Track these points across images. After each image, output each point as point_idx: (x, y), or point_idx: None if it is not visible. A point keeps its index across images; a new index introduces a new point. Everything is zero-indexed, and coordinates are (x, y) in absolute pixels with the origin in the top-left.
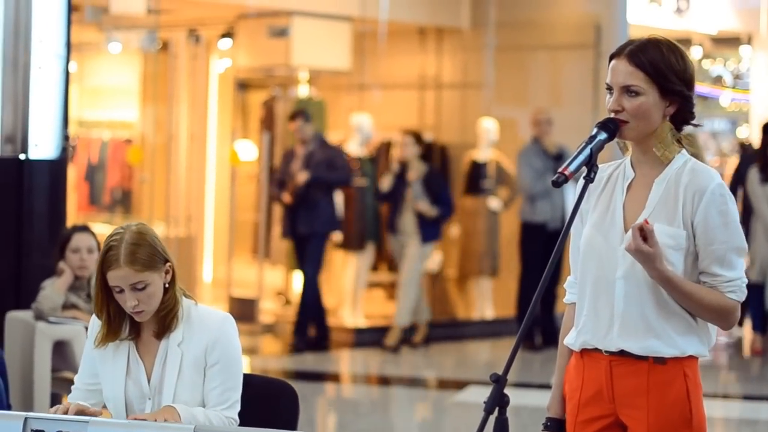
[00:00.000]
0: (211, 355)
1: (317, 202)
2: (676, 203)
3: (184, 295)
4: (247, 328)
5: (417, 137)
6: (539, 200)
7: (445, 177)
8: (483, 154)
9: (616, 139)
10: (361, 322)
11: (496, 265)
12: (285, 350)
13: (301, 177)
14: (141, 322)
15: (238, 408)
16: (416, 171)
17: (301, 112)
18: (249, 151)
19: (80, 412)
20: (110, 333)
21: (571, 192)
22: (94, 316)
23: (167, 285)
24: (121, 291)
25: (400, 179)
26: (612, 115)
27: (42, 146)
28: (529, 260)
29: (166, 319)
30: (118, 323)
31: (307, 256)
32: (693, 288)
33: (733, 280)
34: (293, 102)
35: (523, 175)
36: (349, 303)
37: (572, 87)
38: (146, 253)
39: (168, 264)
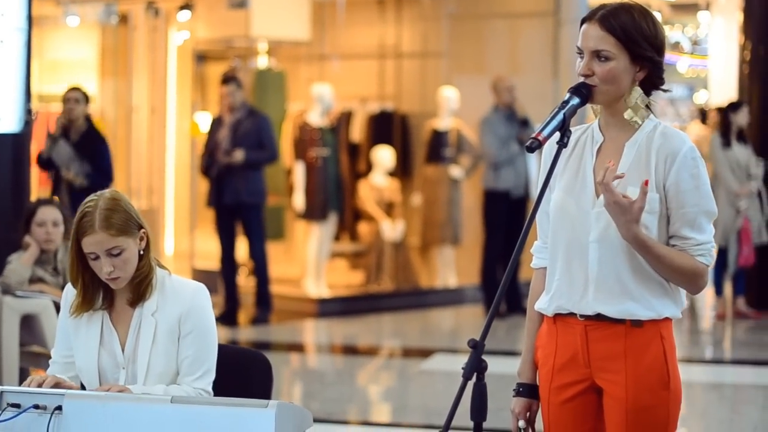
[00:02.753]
0: (184, 325)
1: (245, 172)
2: (648, 167)
3: (158, 265)
4: (211, 300)
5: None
6: (503, 168)
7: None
8: (444, 122)
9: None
10: (325, 292)
11: (459, 233)
12: (249, 321)
13: (237, 156)
14: (115, 290)
15: (211, 378)
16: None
17: (233, 77)
18: (209, 122)
19: (56, 384)
20: (85, 302)
21: (532, 160)
22: (67, 286)
23: (142, 252)
24: (96, 258)
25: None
26: (582, 79)
27: (4, 120)
28: (492, 228)
29: (140, 287)
30: (92, 292)
31: (250, 231)
32: (664, 250)
33: (702, 244)
34: (253, 73)
35: (487, 143)
36: (312, 273)
37: (532, 55)
38: (121, 218)
39: (142, 231)
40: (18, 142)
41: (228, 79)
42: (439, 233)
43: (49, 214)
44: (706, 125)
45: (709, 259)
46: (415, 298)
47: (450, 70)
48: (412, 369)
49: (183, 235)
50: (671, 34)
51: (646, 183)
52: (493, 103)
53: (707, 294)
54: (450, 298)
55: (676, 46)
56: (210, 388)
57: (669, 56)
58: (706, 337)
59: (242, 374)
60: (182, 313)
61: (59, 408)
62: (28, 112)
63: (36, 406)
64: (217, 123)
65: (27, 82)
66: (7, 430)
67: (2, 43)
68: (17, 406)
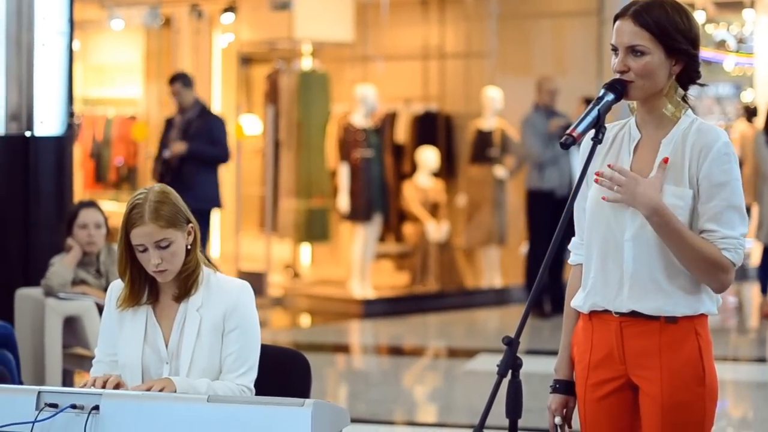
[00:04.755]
0: (229, 321)
1: (194, 176)
2: (683, 163)
3: (205, 262)
4: (256, 302)
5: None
6: (547, 167)
7: None
8: (488, 123)
9: (627, 101)
10: (370, 293)
11: (504, 233)
12: (294, 323)
13: (178, 147)
14: (161, 284)
15: (254, 376)
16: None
17: (180, 75)
18: (254, 125)
19: (118, 385)
20: (131, 295)
21: (577, 158)
22: (112, 284)
23: (189, 247)
24: (145, 250)
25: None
26: (618, 75)
27: (47, 123)
28: (537, 228)
29: (187, 282)
30: (139, 286)
31: None
32: (687, 232)
33: (728, 238)
34: (297, 75)
35: (530, 143)
36: (357, 274)
37: (576, 54)
38: (170, 210)
39: (190, 225)
40: (60, 145)
41: (174, 78)
42: (484, 234)
43: (92, 217)
44: (751, 123)
45: (735, 256)
46: (460, 299)
47: (494, 70)
48: (457, 369)
49: (228, 237)
50: (716, 32)
51: (666, 161)
52: (534, 102)
53: (754, 292)
54: (495, 298)
55: (722, 44)
56: (252, 386)
57: (715, 54)
58: (752, 336)
59: (281, 373)
60: (227, 310)
61: (96, 408)
62: (71, 115)
63: (73, 406)
64: (169, 124)
65: (69, 86)
66: (44, 429)
67: (44, 47)
68: (55, 405)
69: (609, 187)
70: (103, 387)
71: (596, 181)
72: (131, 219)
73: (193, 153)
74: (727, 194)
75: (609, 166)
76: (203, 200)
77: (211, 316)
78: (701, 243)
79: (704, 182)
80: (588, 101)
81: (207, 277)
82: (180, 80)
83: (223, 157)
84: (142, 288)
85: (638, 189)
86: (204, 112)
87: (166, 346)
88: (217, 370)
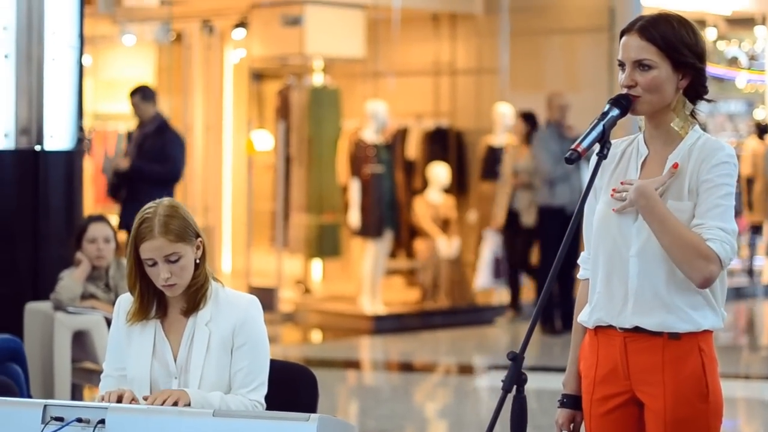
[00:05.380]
0: (238, 337)
1: (144, 193)
2: (684, 177)
3: (212, 277)
4: (267, 317)
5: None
6: (558, 184)
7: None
8: (499, 139)
9: (636, 118)
10: (381, 309)
11: None
12: (305, 338)
13: (121, 163)
14: (170, 298)
15: (265, 391)
16: None
17: (140, 89)
18: (265, 140)
19: (133, 400)
20: (141, 310)
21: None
22: (120, 297)
23: (198, 261)
24: (154, 264)
25: None
26: (625, 90)
27: (57, 137)
28: (548, 244)
29: (195, 296)
30: (148, 301)
31: None
32: (671, 217)
33: (715, 229)
34: (308, 91)
35: (541, 160)
36: (367, 290)
37: (587, 71)
38: (179, 224)
39: (199, 239)
40: (70, 159)
41: (134, 91)
42: None
43: (101, 231)
44: (763, 140)
45: (721, 248)
46: (470, 315)
47: (505, 87)
48: (467, 385)
49: (240, 252)
50: (728, 49)
51: (676, 166)
52: (545, 118)
53: (765, 309)
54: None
55: (734, 61)
56: (263, 401)
57: (726, 71)
58: (764, 353)
59: (288, 388)
60: (236, 325)
61: (102, 421)
62: (80, 129)
63: (79, 420)
64: (129, 139)
65: (79, 100)
66: None
67: (54, 61)
68: (61, 419)
69: (620, 198)
70: (118, 402)
71: (612, 196)
72: (140, 233)
73: (135, 170)
74: (721, 195)
75: (621, 182)
76: None
77: (220, 330)
78: (685, 230)
79: (701, 186)
80: (524, 115)
81: (216, 292)
82: (139, 93)
83: (169, 176)
84: (151, 302)
85: (636, 185)
86: (162, 128)
87: (175, 360)
88: (227, 384)
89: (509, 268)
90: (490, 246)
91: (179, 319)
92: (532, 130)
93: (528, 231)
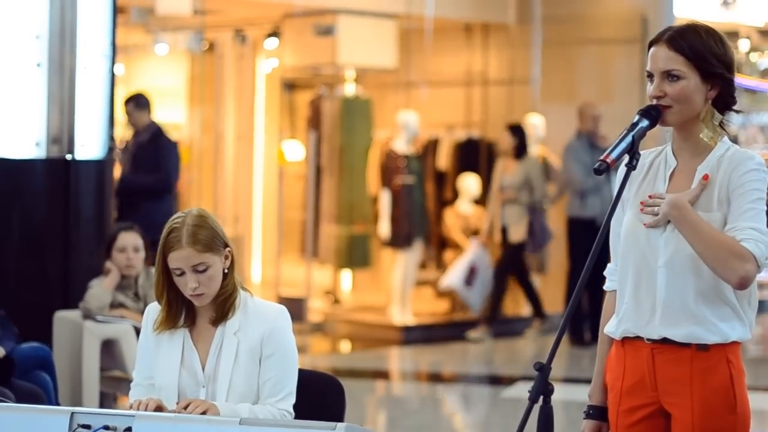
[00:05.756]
0: (267, 346)
1: (140, 205)
2: (713, 188)
3: (241, 287)
4: (296, 327)
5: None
6: (589, 196)
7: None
8: (531, 150)
9: (664, 129)
10: (410, 320)
11: (545, 261)
12: (334, 348)
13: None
14: (198, 307)
15: (293, 400)
16: None
17: (134, 97)
18: (296, 150)
19: (158, 408)
20: (168, 319)
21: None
22: (149, 306)
23: (226, 271)
24: (182, 273)
25: None
26: (654, 101)
27: (88, 147)
28: (577, 256)
29: (224, 306)
30: (176, 310)
31: None
32: (706, 224)
33: (748, 229)
34: (340, 101)
35: (573, 171)
36: (397, 301)
37: (620, 81)
38: (207, 234)
39: (228, 249)
40: (101, 168)
41: (128, 99)
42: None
43: (130, 240)
44: None
45: (756, 247)
46: (500, 326)
47: (537, 97)
48: (495, 396)
49: (270, 262)
50: (761, 61)
51: (706, 178)
52: (576, 129)
53: None
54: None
55: (767, 73)
56: (292, 410)
57: (759, 83)
58: None
59: (316, 398)
60: (264, 334)
61: (129, 429)
62: (111, 139)
63: (106, 428)
64: (126, 147)
65: (111, 109)
66: None
67: (86, 70)
68: (88, 427)
69: (651, 213)
70: (146, 410)
71: (642, 210)
72: (169, 243)
73: (127, 184)
74: (753, 199)
75: (650, 196)
76: (151, 230)
77: (248, 340)
78: (718, 233)
79: (732, 194)
80: (511, 128)
81: (244, 301)
82: (133, 101)
83: (160, 186)
84: (179, 311)
85: (668, 197)
86: (156, 135)
87: (203, 369)
88: (255, 394)
89: (519, 279)
90: (471, 254)
91: (208, 328)
92: (520, 144)
93: (516, 246)
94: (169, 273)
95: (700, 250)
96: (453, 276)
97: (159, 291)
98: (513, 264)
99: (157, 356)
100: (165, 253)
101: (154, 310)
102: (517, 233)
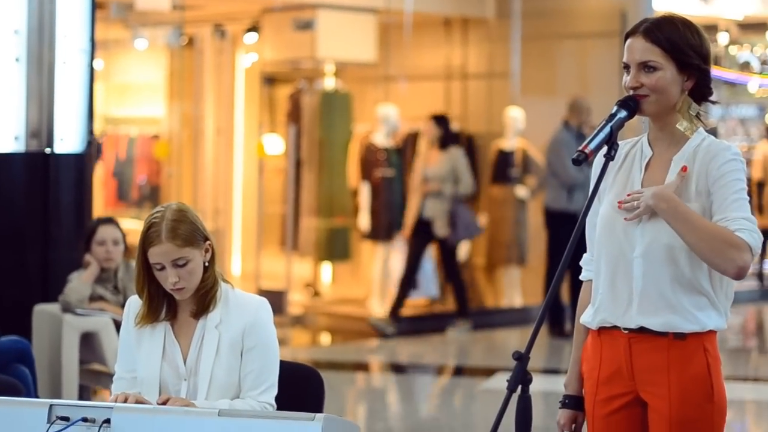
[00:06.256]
0: (248, 339)
1: None
2: (690, 179)
3: (222, 279)
4: (276, 320)
5: None
6: (577, 190)
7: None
8: (510, 143)
9: (641, 119)
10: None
11: (524, 253)
12: (314, 341)
13: None
14: (179, 301)
15: (275, 392)
16: None
17: None
18: (276, 144)
19: (138, 401)
20: (149, 313)
21: None
22: (129, 299)
23: (207, 264)
24: (162, 268)
25: None
26: (630, 92)
27: (67, 140)
28: (559, 249)
29: (205, 299)
30: (157, 304)
31: None
32: (697, 215)
33: (740, 219)
34: (320, 95)
35: (563, 164)
36: (377, 293)
37: (599, 75)
38: (187, 229)
39: (208, 242)
40: (80, 162)
41: None
42: (504, 253)
43: (110, 233)
44: None
45: (750, 237)
46: (480, 318)
47: (516, 91)
48: (475, 388)
49: (250, 255)
50: (740, 54)
51: (684, 169)
52: (564, 120)
53: None
54: (515, 318)
55: (746, 66)
56: (274, 402)
57: (738, 76)
58: None
59: (295, 390)
60: (246, 327)
61: (108, 421)
62: (91, 133)
63: (84, 419)
64: None
65: (90, 104)
66: None
67: (65, 65)
68: (66, 419)
69: (630, 209)
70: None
71: (620, 207)
72: (148, 238)
73: None
74: (737, 189)
75: (628, 195)
76: None
77: (229, 332)
78: (712, 225)
79: (713, 185)
80: (435, 119)
81: (225, 294)
82: None
83: None
84: (160, 305)
85: (649, 191)
86: None
87: (185, 362)
88: (236, 386)
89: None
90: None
91: (189, 321)
92: (444, 135)
93: (442, 241)
94: (150, 267)
95: (693, 242)
96: (425, 287)
97: (140, 286)
98: (447, 257)
99: (138, 350)
100: (145, 249)
101: (135, 303)
102: (443, 228)
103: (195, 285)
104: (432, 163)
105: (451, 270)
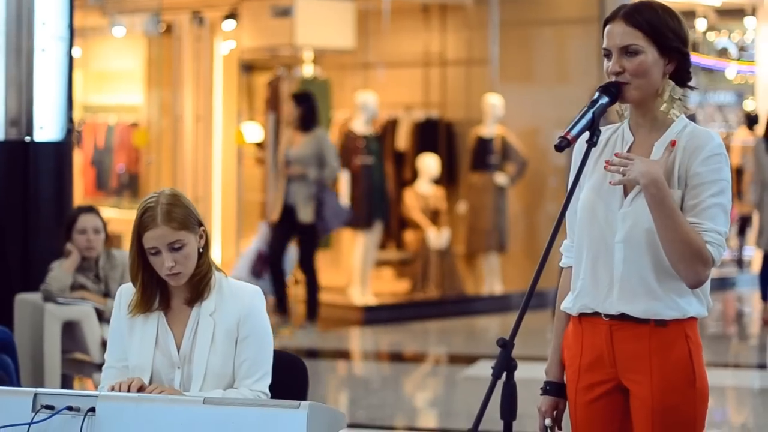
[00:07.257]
0: (243, 327)
1: None
2: (673, 165)
3: (215, 267)
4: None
5: None
6: None
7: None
8: (489, 130)
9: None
10: (370, 300)
11: (504, 240)
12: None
13: None
14: (173, 289)
15: (269, 381)
16: None
17: None
18: (255, 131)
19: (141, 388)
20: (143, 301)
21: None
22: (120, 288)
23: (201, 250)
24: (158, 253)
25: None
26: (612, 78)
27: (47, 129)
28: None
29: (199, 285)
30: (150, 292)
31: None
32: (679, 212)
33: (713, 231)
34: (298, 82)
35: None
36: (358, 281)
37: (578, 61)
38: (182, 212)
39: (202, 228)
40: (60, 150)
41: None
42: (484, 240)
43: (90, 222)
44: (752, 131)
45: (716, 252)
46: (460, 306)
47: (495, 78)
48: (457, 375)
49: (229, 243)
50: (718, 40)
51: (673, 144)
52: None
53: (755, 299)
54: (496, 305)
55: (724, 52)
56: (267, 390)
57: (716, 62)
58: (753, 342)
59: (279, 377)
60: (241, 316)
61: (92, 410)
62: (70, 121)
63: (69, 408)
64: None
65: (69, 91)
66: (41, 431)
67: (44, 52)
68: (51, 407)
69: (617, 171)
70: (128, 391)
71: (606, 168)
72: (143, 222)
73: None
74: (715, 192)
75: (616, 154)
76: None
77: (224, 321)
78: (689, 228)
79: (693, 180)
80: (296, 97)
81: (219, 282)
82: None
83: None
84: (154, 294)
85: (641, 163)
86: None
87: (178, 350)
88: (230, 375)
89: (272, 267)
90: (258, 240)
91: (183, 309)
92: (306, 115)
93: (306, 227)
94: (144, 254)
95: (667, 240)
96: (238, 268)
97: (134, 273)
98: (306, 246)
99: (130, 338)
100: (140, 234)
101: (127, 291)
102: (307, 213)
103: (190, 270)
104: (295, 144)
105: (306, 261)
